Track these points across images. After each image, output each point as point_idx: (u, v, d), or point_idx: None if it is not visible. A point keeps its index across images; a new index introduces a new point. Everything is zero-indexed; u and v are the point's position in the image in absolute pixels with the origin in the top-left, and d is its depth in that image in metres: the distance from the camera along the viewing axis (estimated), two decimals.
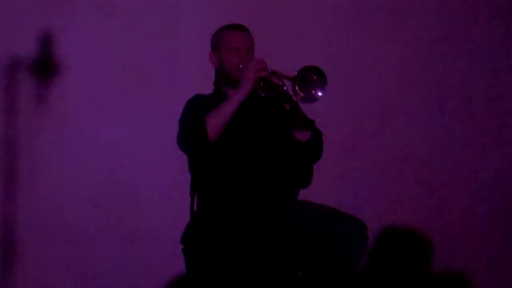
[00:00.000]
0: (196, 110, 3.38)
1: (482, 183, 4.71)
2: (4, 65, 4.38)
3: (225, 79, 3.51)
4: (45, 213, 4.40)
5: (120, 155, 4.44)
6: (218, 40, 3.51)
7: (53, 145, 4.41)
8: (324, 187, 4.28)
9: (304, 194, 3.49)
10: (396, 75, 4.68)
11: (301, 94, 3.23)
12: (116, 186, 4.43)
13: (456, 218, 4.69)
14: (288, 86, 3.29)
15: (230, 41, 3.47)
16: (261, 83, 3.36)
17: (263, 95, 3.39)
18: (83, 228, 4.41)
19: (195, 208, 3.52)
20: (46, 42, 4.39)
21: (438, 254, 4.66)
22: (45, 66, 4.41)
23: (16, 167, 4.39)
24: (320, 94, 3.23)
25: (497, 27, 4.72)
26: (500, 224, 4.70)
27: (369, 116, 4.65)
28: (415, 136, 4.68)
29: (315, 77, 3.24)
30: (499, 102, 4.74)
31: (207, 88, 3.59)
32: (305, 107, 3.36)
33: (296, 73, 3.22)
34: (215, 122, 3.27)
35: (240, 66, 3.41)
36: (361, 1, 4.65)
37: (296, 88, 3.22)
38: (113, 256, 4.42)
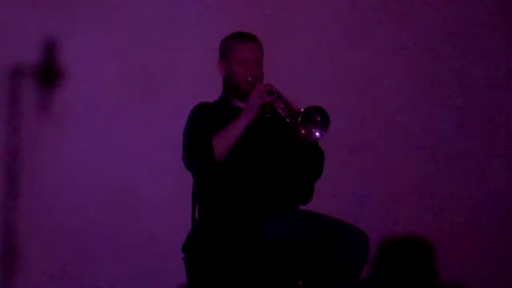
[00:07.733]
0: (201, 125, 3.37)
1: (485, 189, 4.70)
2: (7, 71, 4.37)
3: (232, 90, 3.49)
4: (46, 219, 4.39)
5: (122, 162, 4.44)
6: (227, 50, 3.47)
7: (55, 151, 4.41)
8: (326, 197, 4.27)
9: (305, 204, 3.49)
10: (397, 78, 4.68)
11: (302, 130, 3.22)
12: (117, 193, 4.43)
13: (459, 227, 4.68)
14: None
15: (238, 52, 3.43)
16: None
17: (268, 116, 3.38)
18: (83, 235, 4.41)
19: (196, 216, 3.51)
20: (48, 49, 4.39)
21: (441, 264, 4.65)
22: (47, 72, 4.40)
23: (18, 173, 4.39)
24: (317, 135, 3.24)
25: (497, 27, 4.72)
26: (503, 232, 4.70)
27: (369, 121, 4.65)
28: (417, 144, 4.68)
29: (318, 118, 3.24)
30: (502, 108, 4.73)
31: (212, 95, 3.58)
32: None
33: (302, 110, 3.21)
34: (221, 146, 3.25)
35: (249, 79, 3.39)
36: (362, 3, 4.65)
37: (299, 122, 3.22)
38: (113, 263, 4.41)
